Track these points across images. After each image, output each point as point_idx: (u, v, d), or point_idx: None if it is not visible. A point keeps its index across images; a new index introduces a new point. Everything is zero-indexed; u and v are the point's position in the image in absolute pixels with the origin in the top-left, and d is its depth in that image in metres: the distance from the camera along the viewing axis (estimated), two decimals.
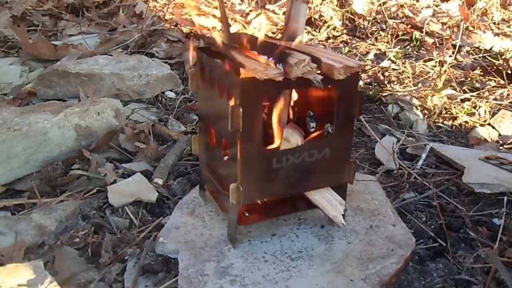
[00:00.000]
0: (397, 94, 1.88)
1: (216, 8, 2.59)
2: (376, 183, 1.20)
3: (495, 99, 1.89)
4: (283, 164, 0.88)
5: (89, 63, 1.81)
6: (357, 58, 2.29)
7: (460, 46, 2.40)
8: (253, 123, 0.83)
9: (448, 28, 2.77)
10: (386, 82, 2.03)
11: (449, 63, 2.18)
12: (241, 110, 0.80)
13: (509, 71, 2.11)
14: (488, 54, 2.35)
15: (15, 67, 1.92)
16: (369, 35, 2.67)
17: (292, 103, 1.04)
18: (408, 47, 2.53)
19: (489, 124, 1.69)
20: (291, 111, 1.06)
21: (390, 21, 2.79)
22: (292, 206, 1.00)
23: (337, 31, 2.74)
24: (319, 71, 0.81)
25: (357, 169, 1.14)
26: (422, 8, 3.08)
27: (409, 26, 2.74)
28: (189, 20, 0.96)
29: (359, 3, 2.89)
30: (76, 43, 2.10)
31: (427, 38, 2.61)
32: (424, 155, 1.42)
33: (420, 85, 1.99)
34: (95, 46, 2.18)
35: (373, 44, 2.56)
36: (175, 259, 0.93)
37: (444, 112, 1.78)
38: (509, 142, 1.57)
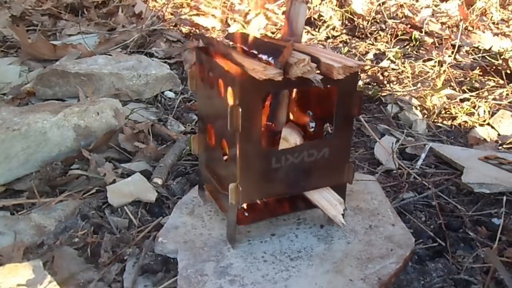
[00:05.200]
0: (396, 94, 1.88)
1: (215, 8, 2.59)
2: (376, 183, 1.20)
3: (494, 99, 1.89)
4: (282, 164, 0.88)
5: (88, 63, 1.80)
6: (356, 58, 2.28)
7: (459, 46, 2.40)
8: (252, 123, 0.83)
9: (447, 28, 2.77)
10: (385, 82, 2.03)
11: (449, 63, 2.17)
12: (240, 110, 0.80)
13: (508, 71, 2.11)
14: (488, 54, 2.35)
15: (14, 67, 1.91)
16: (369, 35, 2.67)
17: (291, 103, 1.04)
18: (407, 47, 2.53)
19: (488, 124, 1.69)
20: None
21: (390, 21, 2.79)
22: (291, 206, 1.00)
23: (337, 31, 2.74)
24: (318, 71, 0.81)
25: (356, 169, 1.14)
26: (421, 8, 3.08)
27: (409, 26, 2.74)
28: None
29: (358, 3, 2.89)
30: (75, 43, 2.10)
31: (426, 38, 2.61)
32: (423, 155, 1.42)
33: (419, 85, 1.99)
34: (95, 46, 2.17)
35: (373, 44, 2.56)
36: (175, 259, 0.93)
37: (443, 112, 1.78)
38: (508, 142, 1.57)
